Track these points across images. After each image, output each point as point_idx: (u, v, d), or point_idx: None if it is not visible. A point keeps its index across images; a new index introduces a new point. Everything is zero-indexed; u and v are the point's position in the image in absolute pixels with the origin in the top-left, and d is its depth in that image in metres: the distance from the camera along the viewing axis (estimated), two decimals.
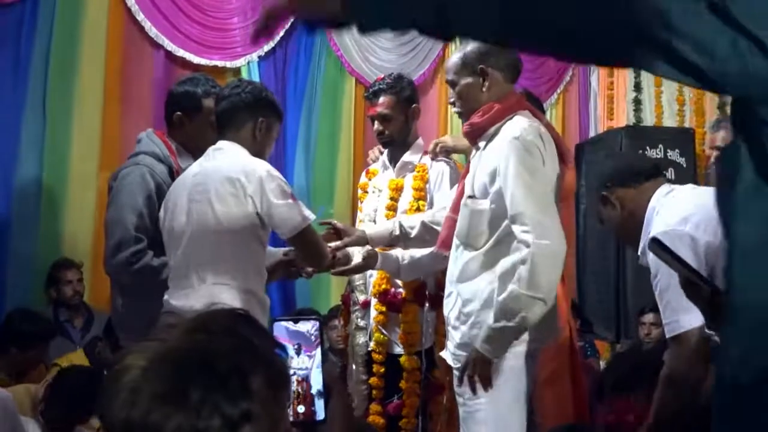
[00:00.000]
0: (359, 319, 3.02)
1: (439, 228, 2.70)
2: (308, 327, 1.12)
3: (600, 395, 2.62)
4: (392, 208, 2.98)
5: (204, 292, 2.29)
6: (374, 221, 3.03)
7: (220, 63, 5.01)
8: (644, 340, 4.63)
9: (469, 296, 2.40)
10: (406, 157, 3.01)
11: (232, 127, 2.47)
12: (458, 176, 2.75)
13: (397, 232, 2.80)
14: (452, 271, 2.49)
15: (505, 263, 2.32)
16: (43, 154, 4.32)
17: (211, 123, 2.56)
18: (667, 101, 6.91)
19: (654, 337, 4.47)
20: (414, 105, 3.02)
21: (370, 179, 3.18)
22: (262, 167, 2.37)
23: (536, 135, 2.34)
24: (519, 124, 2.36)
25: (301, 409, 1.08)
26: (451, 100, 2.56)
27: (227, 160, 2.40)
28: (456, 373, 2.45)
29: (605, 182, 2.47)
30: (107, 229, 2.62)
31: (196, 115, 2.73)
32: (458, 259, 2.46)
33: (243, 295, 2.33)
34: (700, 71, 1.12)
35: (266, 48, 5.22)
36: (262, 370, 0.92)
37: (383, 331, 2.92)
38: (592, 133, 7.12)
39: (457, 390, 2.45)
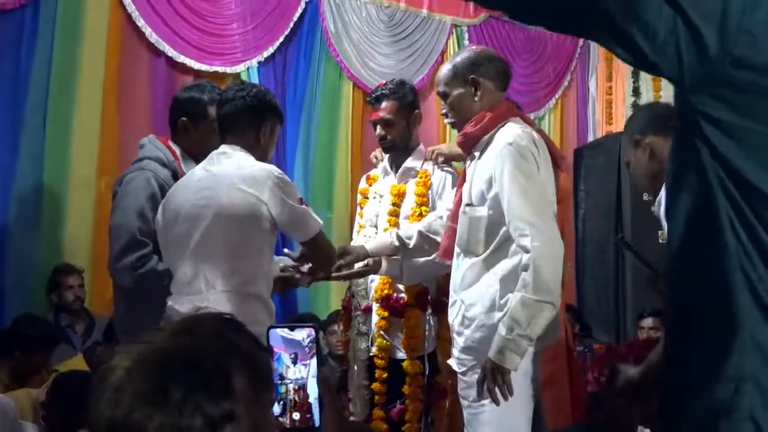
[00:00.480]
0: (361, 325, 3.02)
1: (436, 237, 2.73)
2: (303, 335, 1.12)
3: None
4: (394, 214, 2.98)
5: (212, 298, 2.26)
6: (375, 227, 3.03)
7: (220, 69, 5.03)
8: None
9: (472, 300, 2.41)
10: (409, 162, 3.02)
11: (235, 130, 2.44)
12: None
13: (397, 243, 2.81)
14: (455, 279, 2.51)
15: (505, 266, 2.35)
16: (43, 159, 4.33)
17: (215, 129, 2.55)
18: None
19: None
20: (416, 111, 3.03)
21: (370, 185, 3.18)
22: (273, 172, 2.35)
23: (530, 140, 2.37)
24: (512, 131, 2.39)
25: (296, 416, 1.09)
26: (444, 111, 2.58)
27: (235, 166, 2.37)
28: (461, 377, 2.47)
29: (641, 126, 2.47)
30: (112, 233, 2.61)
31: (201, 121, 2.73)
32: (460, 266, 2.48)
33: (251, 300, 2.31)
34: (642, 53, 1.14)
35: (266, 54, 5.25)
36: (245, 371, 0.93)
37: (385, 336, 2.93)
38: (590, 138, 7.16)
39: (461, 392, 2.47)
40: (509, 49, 6.45)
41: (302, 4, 5.44)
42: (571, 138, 7.09)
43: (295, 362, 1.10)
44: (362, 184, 3.26)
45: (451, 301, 2.53)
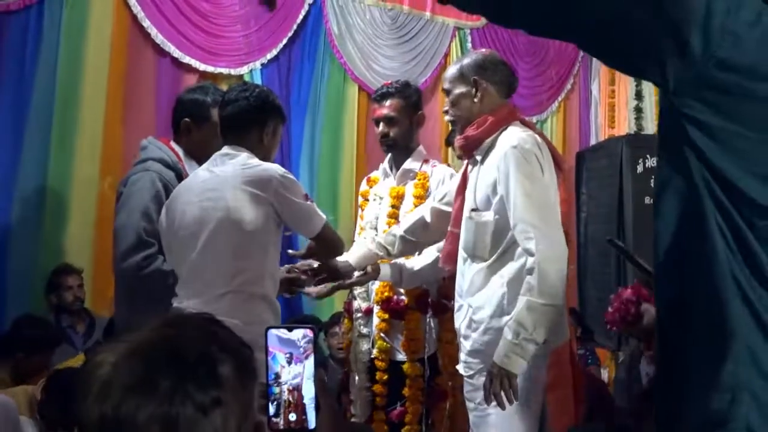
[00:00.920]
0: (362, 327, 3.03)
1: (417, 239, 2.78)
2: (299, 336, 1.12)
3: None
4: (393, 216, 2.99)
5: (218, 298, 2.26)
6: (375, 229, 3.04)
7: (224, 70, 5.04)
8: (644, 348, 4.62)
9: (480, 304, 2.42)
10: (408, 164, 3.03)
11: (239, 131, 2.45)
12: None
13: (380, 252, 2.82)
14: (461, 284, 2.51)
15: (511, 269, 2.36)
16: (47, 160, 4.34)
17: (217, 132, 2.55)
18: None
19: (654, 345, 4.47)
20: (420, 112, 3.05)
21: (371, 187, 3.19)
22: (277, 171, 2.35)
23: (533, 143, 2.38)
24: (515, 134, 2.40)
25: (292, 417, 1.09)
26: (445, 108, 2.62)
27: (239, 166, 2.37)
28: (467, 380, 2.47)
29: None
30: (117, 233, 2.61)
31: (203, 123, 2.74)
32: (466, 272, 2.49)
33: (257, 300, 2.31)
34: (629, 59, 1.15)
35: (270, 55, 5.26)
36: (230, 359, 0.94)
37: (386, 338, 2.94)
38: (593, 141, 7.14)
39: (468, 395, 2.48)
40: (512, 52, 6.46)
41: (306, 6, 5.45)
42: (574, 141, 7.08)
43: (290, 362, 1.10)
44: (363, 186, 3.27)
45: (456, 306, 2.54)
